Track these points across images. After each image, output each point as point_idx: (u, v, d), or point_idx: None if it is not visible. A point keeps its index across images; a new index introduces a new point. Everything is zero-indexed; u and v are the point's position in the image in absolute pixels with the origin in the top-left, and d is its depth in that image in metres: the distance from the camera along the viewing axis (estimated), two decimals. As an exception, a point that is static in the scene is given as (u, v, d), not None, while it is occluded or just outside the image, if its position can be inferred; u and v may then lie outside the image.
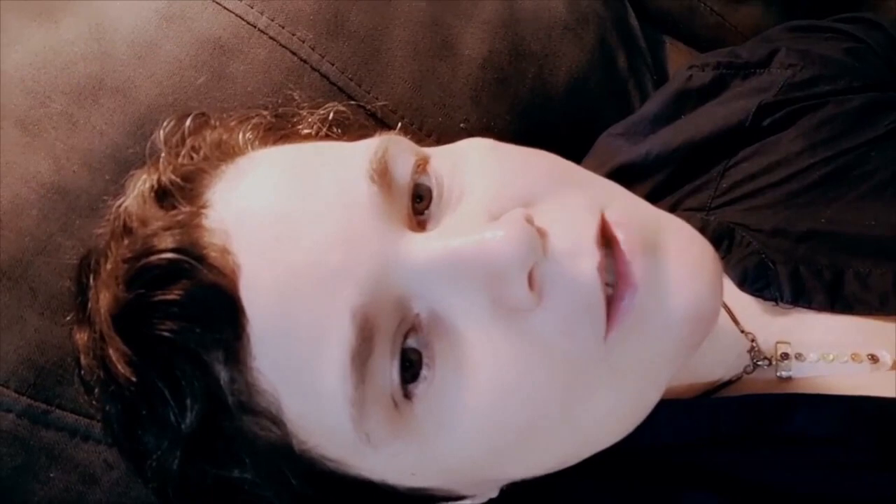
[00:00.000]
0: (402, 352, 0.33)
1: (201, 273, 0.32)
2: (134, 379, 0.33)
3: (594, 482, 0.42)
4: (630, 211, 0.35)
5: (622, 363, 0.34)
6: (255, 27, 0.52)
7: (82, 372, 0.38)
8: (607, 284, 0.33)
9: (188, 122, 0.42)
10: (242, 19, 0.52)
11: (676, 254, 0.34)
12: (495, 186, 0.34)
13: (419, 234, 0.34)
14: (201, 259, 0.32)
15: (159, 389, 0.33)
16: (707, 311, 0.34)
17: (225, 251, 0.32)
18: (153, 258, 0.33)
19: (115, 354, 0.34)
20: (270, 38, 0.52)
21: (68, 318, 0.40)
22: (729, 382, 0.44)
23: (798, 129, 0.51)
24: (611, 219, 0.33)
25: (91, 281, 0.37)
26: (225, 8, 0.51)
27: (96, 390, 0.37)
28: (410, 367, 0.33)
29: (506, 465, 0.36)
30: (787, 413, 0.41)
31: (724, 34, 0.70)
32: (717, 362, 0.44)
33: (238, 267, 0.32)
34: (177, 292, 0.32)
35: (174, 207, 0.35)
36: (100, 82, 0.49)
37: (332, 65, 0.53)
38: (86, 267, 0.38)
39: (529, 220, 0.32)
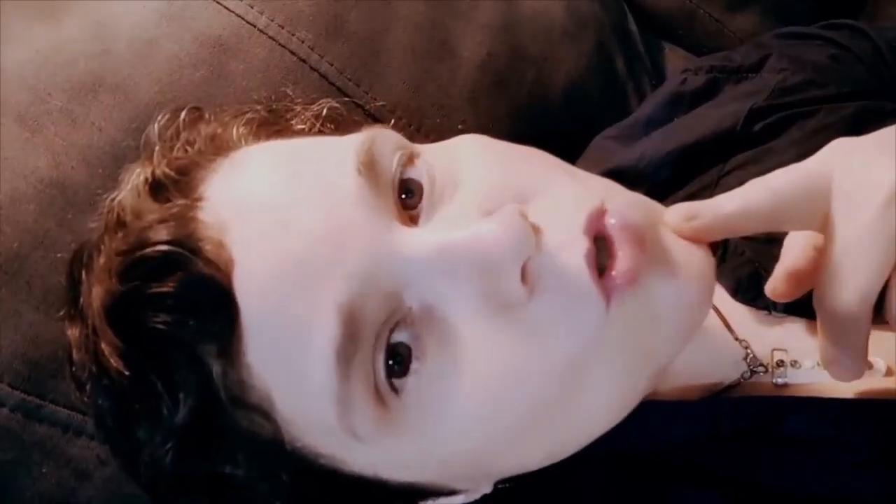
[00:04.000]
0: (389, 346, 0.33)
1: (196, 265, 0.32)
2: (127, 372, 0.33)
3: (594, 481, 0.42)
4: (629, 201, 0.36)
5: (617, 350, 0.34)
6: (254, 27, 0.52)
7: (74, 368, 0.38)
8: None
9: (182, 115, 0.42)
10: (242, 19, 0.52)
11: (673, 241, 0.35)
12: (489, 182, 0.34)
13: (412, 228, 0.34)
14: (196, 251, 0.32)
15: (152, 382, 0.33)
16: (701, 293, 0.35)
17: (220, 245, 0.32)
18: (148, 250, 0.33)
19: (108, 348, 0.34)
20: (270, 37, 0.52)
21: (61, 313, 0.40)
22: (728, 388, 0.43)
23: (791, 137, 0.50)
24: (610, 208, 0.34)
25: (83, 276, 0.37)
26: (225, 7, 0.52)
27: (88, 386, 0.37)
28: (401, 361, 0.33)
29: (501, 455, 0.36)
30: (784, 415, 0.41)
31: (723, 40, 0.70)
32: (713, 366, 0.44)
33: (232, 261, 0.32)
34: (171, 284, 0.32)
35: (168, 200, 0.35)
36: (100, 80, 0.49)
37: (331, 65, 0.54)
38: (78, 262, 0.38)
39: (524, 216, 0.32)
